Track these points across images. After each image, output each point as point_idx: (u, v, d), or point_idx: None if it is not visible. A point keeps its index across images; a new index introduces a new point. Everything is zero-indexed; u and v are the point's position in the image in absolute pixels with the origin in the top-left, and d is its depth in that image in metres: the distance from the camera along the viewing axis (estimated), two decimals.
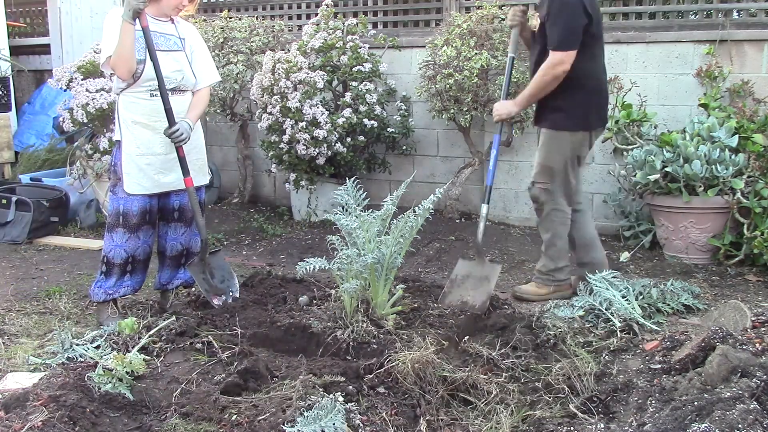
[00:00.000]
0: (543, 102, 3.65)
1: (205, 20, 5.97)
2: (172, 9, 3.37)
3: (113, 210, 3.41)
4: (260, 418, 2.44)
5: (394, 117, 5.60)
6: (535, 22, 3.77)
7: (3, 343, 3.21)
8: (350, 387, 2.63)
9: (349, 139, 5.28)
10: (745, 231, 4.23)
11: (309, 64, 5.33)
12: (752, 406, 2.02)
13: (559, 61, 3.46)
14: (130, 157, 3.35)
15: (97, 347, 3.05)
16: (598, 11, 3.60)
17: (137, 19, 3.18)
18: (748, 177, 4.28)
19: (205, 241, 3.55)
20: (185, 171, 3.38)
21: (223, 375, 2.84)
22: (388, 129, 5.50)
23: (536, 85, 3.55)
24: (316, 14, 5.67)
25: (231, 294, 3.59)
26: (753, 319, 2.86)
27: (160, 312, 3.61)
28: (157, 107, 3.33)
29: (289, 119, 5.13)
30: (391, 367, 2.69)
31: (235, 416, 2.48)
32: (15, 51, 7.02)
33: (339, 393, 2.54)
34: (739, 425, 1.94)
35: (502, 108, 3.72)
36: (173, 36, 3.42)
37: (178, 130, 3.29)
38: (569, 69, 3.47)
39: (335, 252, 3.20)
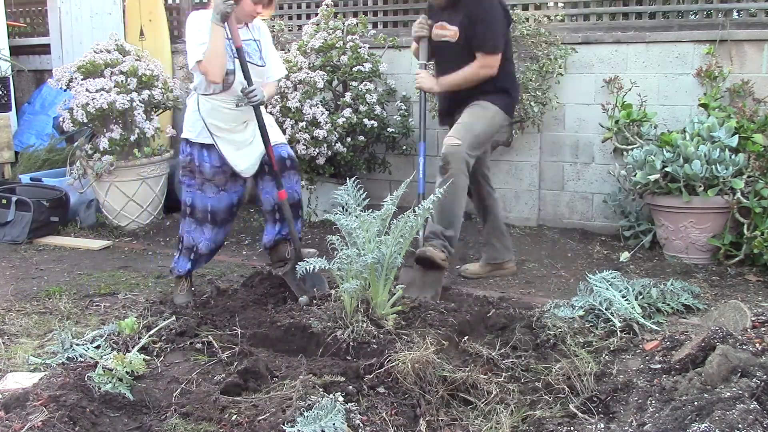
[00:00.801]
0: (462, 100, 3.87)
1: None
2: (246, 16, 3.48)
3: (203, 207, 3.63)
4: (260, 418, 2.44)
5: (394, 117, 5.60)
6: (441, 32, 3.90)
7: (3, 343, 3.22)
8: (350, 387, 2.63)
9: (349, 139, 5.28)
10: (745, 231, 4.23)
11: (309, 64, 5.34)
12: (752, 406, 2.02)
13: (489, 64, 3.75)
14: (229, 152, 3.55)
15: (97, 347, 3.05)
16: (510, 17, 3.98)
17: (226, 23, 3.34)
18: (748, 177, 4.28)
19: (299, 250, 3.65)
20: (279, 185, 3.61)
21: (223, 375, 2.85)
22: (388, 129, 5.50)
23: (462, 77, 3.80)
24: (316, 14, 5.67)
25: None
26: (753, 319, 2.86)
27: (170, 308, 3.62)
28: (239, 116, 3.54)
29: (289, 119, 5.13)
30: (391, 367, 2.69)
31: (235, 416, 2.48)
32: (15, 51, 7.02)
33: (339, 393, 2.54)
34: (739, 425, 1.94)
35: (427, 81, 3.98)
36: (252, 41, 3.54)
37: (254, 90, 3.44)
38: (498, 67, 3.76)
39: (335, 252, 3.20)
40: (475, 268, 4.33)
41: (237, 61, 3.43)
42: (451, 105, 4.04)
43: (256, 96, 3.44)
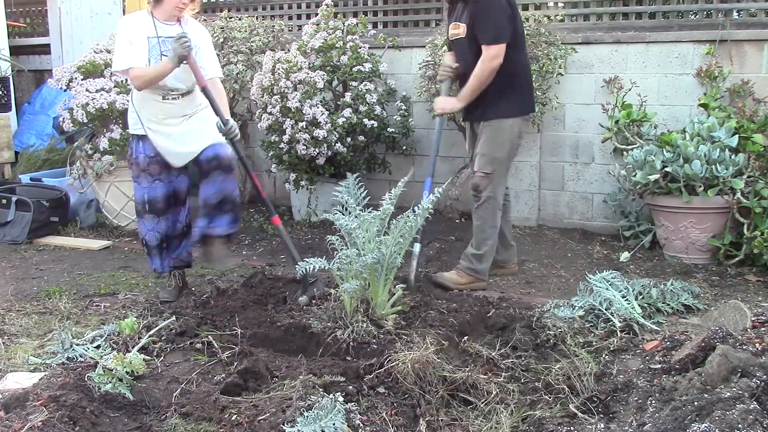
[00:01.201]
0: (481, 96, 3.84)
1: (205, 20, 5.97)
2: (174, 8, 3.53)
3: (139, 199, 3.71)
4: (260, 418, 2.44)
5: (394, 117, 5.60)
6: (455, 31, 3.96)
7: (3, 343, 3.22)
8: (350, 387, 2.63)
9: (349, 139, 5.28)
10: (745, 231, 4.23)
11: (309, 64, 5.33)
12: (752, 406, 2.02)
13: (494, 55, 3.73)
14: (157, 144, 3.61)
15: (97, 347, 3.05)
16: (516, 6, 3.91)
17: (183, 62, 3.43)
18: (748, 177, 4.28)
19: (304, 276, 3.52)
20: (271, 211, 3.75)
21: (223, 375, 2.84)
22: (388, 129, 5.49)
23: (477, 80, 3.78)
24: (316, 14, 5.67)
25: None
26: (753, 319, 2.86)
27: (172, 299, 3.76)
28: (167, 109, 3.61)
29: (289, 119, 5.13)
30: (391, 367, 2.69)
31: (235, 416, 2.48)
32: (15, 51, 7.02)
33: (339, 393, 2.54)
34: (739, 425, 1.94)
35: (446, 103, 3.98)
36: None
37: (232, 126, 3.53)
38: (503, 61, 3.74)
39: (335, 252, 3.20)
40: None
41: (163, 57, 3.48)
42: (467, 110, 4.04)
43: (235, 131, 3.54)
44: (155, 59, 3.51)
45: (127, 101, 5.13)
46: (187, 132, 3.64)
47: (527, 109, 4.00)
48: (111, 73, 5.31)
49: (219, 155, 3.66)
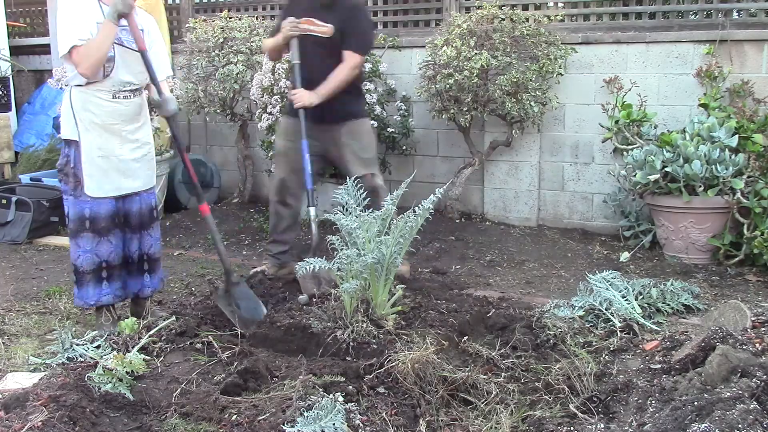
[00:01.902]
0: (342, 97, 3.91)
1: (205, 20, 5.97)
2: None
3: (76, 215, 3.18)
4: (260, 418, 2.44)
5: (394, 117, 5.59)
6: (314, 27, 3.93)
7: (3, 343, 3.22)
8: (350, 387, 2.63)
9: None
10: (745, 231, 4.23)
11: None
12: (752, 406, 2.02)
13: (359, 64, 3.96)
14: (92, 159, 3.15)
15: (97, 347, 3.05)
16: None
17: (123, 19, 3.04)
18: (748, 177, 4.28)
19: (229, 271, 3.46)
20: (200, 198, 3.36)
21: (223, 375, 2.84)
22: (388, 129, 5.49)
23: (339, 82, 3.87)
24: None
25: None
26: (753, 319, 2.86)
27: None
28: (118, 109, 3.16)
29: None
30: (391, 367, 2.68)
31: (235, 416, 2.48)
32: (15, 51, 7.02)
33: (339, 393, 2.54)
34: (739, 425, 1.94)
35: (305, 96, 3.90)
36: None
37: (166, 100, 3.17)
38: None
39: (335, 252, 3.20)
40: None
41: (117, 47, 3.07)
42: (324, 112, 3.96)
43: (167, 110, 3.16)
44: (113, 47, 3.06)
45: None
46: (136, 160, 3.24)
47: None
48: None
49: (141, 209, 3.30)
